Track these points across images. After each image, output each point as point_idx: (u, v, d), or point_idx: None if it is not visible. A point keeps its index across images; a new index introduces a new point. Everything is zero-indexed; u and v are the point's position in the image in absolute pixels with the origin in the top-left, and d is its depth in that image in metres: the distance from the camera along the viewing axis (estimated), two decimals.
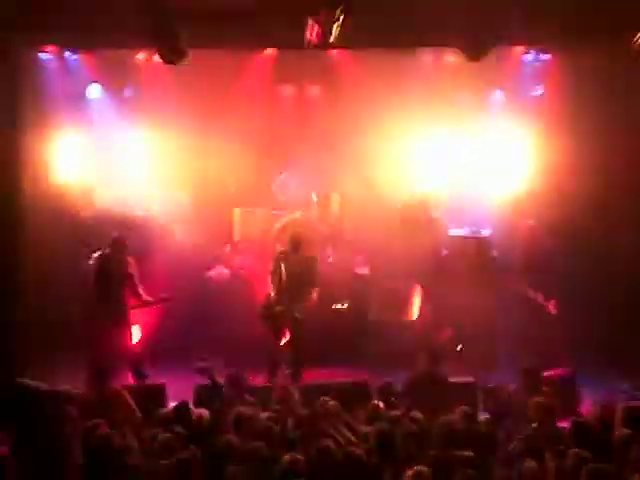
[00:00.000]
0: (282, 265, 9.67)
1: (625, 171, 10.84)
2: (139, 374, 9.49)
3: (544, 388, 7.97)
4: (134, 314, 9.73)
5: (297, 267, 9.62)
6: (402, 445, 6.33)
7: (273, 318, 9.66)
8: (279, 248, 10.08)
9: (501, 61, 11.19)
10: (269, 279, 9.72)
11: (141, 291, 9.49)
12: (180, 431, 6.57)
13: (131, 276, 9.45)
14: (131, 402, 7.85)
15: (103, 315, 9.36)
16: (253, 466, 5.97)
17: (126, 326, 9.49)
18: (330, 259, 11.83)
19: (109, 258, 9.45)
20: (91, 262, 9.53)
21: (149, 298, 9.55)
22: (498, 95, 11.88)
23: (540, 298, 9.94)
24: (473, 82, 11.83)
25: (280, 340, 9.75)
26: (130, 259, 9.49)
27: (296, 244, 9.69)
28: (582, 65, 10.71)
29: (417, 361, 8.78)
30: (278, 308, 9.60)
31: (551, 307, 9.94)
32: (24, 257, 10.40)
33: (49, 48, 10.86)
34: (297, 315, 9.60)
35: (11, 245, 10.20)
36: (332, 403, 7.13)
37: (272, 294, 9.67)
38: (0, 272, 10.05)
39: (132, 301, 9.51)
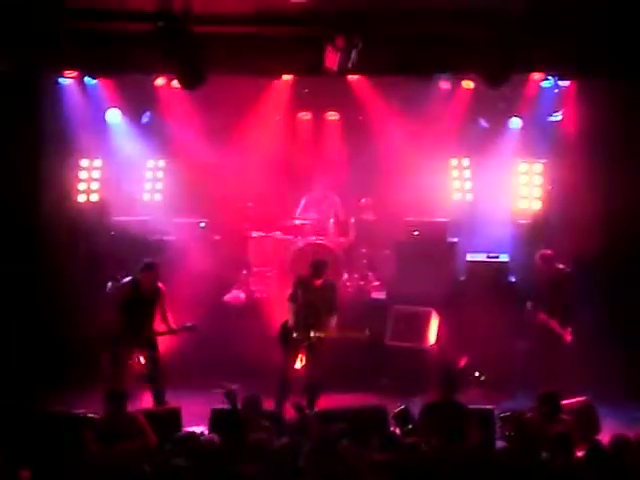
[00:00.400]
0: (301, 291, 9.63)
1: None
2: (160, 399, 9.46)
3: (564, 416, 7.88)
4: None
5: (316, 293, 9.57)
6: (418, 473, 6.26)
7: (290, 344, 9.61)
8: (298, 274, 10.04)
9: (520, 87, 11.19)
10: (288, 305, 9.66)
11: (170, 318, 9.45)
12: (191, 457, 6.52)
13: (162, 302, 9.44)
14: (147, 426, 7.83)
15: (130, 340, 9.34)
16: None
17: (154, 351, 9.47)
18: (348, 284, 11.81)
19: (140, 284, 9.42)
20: (111, 287, 9.52)
21: (176, 326, 9.50)
22: (516, 121, 11.85)
23: (556, 326, 9.84)
24: (491, 108, 11.85)
25: (295, 365, 9.69)
26: (161, 285, 9.47)
27: (317, 270, 9.64)
28: (601, 91, 10.66)
29: (434, 387, 8.69)
30: (296, 335, 9.55)
31: (567, 335, 9.83)
32: (42, 280, 10.45)
33: (69, 73, 10.95)
34: (315, 342, 9.55)
35: (29, 268, 10.26)
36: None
37: (290, 320, 9.62)
38: (18, 295, 10.10)
39: (160, 328, 9.48)
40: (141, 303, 9.34)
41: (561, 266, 10.08)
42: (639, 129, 10.68)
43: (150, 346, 9.40)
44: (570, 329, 9.81)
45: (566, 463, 6.58)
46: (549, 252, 10.10)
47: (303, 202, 12.33)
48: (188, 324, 9.52)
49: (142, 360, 9.43)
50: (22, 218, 10.21)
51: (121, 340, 9.30)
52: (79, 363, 10.29)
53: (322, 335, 9.53)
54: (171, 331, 9.47)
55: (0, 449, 6.27)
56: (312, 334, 9.50)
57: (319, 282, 9.62)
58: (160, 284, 9.44)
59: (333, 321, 9.58)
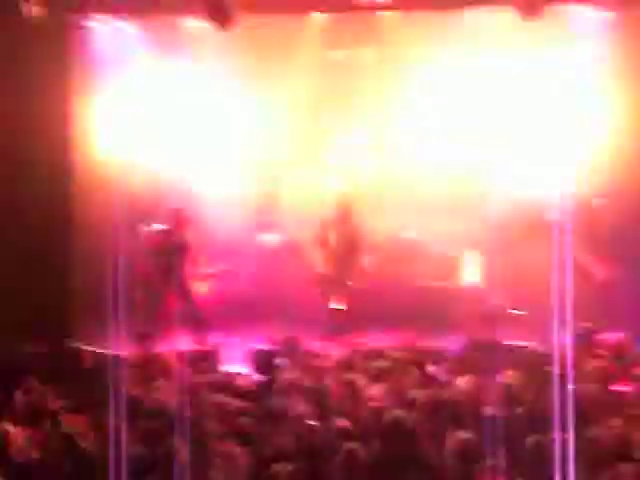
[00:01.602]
0: (329, 235, 9.59)
1: None
2: (200, 339, 9.57)
3: (600, 351, 7.82)
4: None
5: (345, 234, 9.52)
6: (452, 410, 6.27)
7: (326, 285, 9.61)
8: (322, 217, 10.00)
9: (558, 19, 10.87)
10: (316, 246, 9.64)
11: (202, 263, 9.54)
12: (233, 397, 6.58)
13: (191, 248, 9.49)
14: (178, 367, 7.92)
15: (163, 284, 9.44)
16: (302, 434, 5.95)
17: (188, 294, 9.54)
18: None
19: (170, 232, 9.50)
20: (150, 234, 9.60)
21: (210, 269, 9.61)
22: (557, 56, 11.52)
23: (590, 262, 9.66)
24: (528, 42, 11.55)
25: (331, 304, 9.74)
26: (190, 231, 9.53)
27: (344, 213, 9.58)
28: None
29: (472, 326, 8.67)
30: (329, 276, 9.53)
31: (599, 272, 9.65)
32: (75, 225, 10.51)
33: (98, 15, 10.87)
34: (349, 282, 9.54)
35: (62, 214, 10.32)
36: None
37: (319, 261, 9.59)
38: (51, 242, 10.17)
39: (193, 273, 9.58)
40: (173, 250, 9.44)
41: (610, 218, 9.90)
42: None
43: (184, 290, 9.50)
44: (603, 266, 9.65)
45: (605, 397, 6.54)
46: (598, 203, 9.93)
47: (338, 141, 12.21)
48: (221, 266, 9.62)
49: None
50: (52, 164, 10.23)
51: (155, 284, 9.41)
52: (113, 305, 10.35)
53: (356, 276, 9.52)
54: (206, 275, 9.57)
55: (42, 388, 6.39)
56: (345, 275, 9.48)
57: (348, 224, 9.55)
58: (188, 230, 9.49)
59: (366, 261, 9.54)
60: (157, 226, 9.57)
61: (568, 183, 10.88)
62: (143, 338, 8.13)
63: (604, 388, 6.68)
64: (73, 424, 5.90)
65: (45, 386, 6.55)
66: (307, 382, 7.01)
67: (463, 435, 5.51)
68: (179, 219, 9.48)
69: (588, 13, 10.80)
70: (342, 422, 5.84)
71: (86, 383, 6.93)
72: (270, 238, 11.57)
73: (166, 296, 9.52)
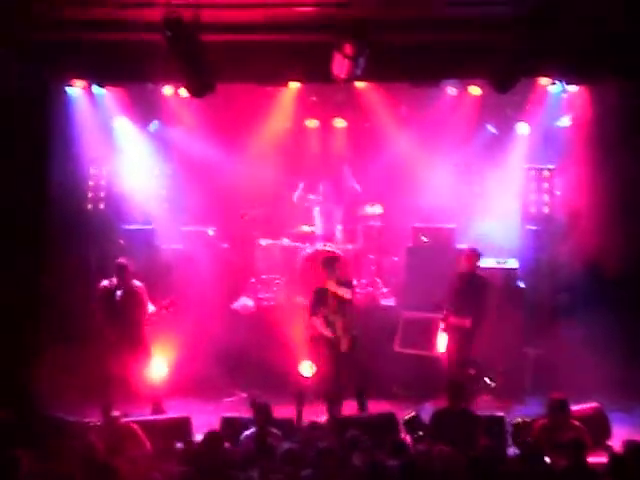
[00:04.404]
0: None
1: None
2: (157, 410, 9.50)
3: (574, 423, 7.85)
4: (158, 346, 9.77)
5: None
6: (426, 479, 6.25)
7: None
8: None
9: (527, 93, 11.17)
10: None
11: (150, 308, 9.62)
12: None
13: (140, 299, 9.55)
14: (142, 435, 7.82)
15: (116, 345, 9.44)
16: None
17: (143, 353, 9.56)
18: (356, 291, 11.78)
19: (115, 286, 9.54)
20: (99, 293, 9.63)
21: (156, 308, 9.65)
22: (524, 127, 11.81)
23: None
24: (499, 114, 11.83)
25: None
26: (136, 282, 9.60)
27: (329, 265, 9.70)
28: (609, 95, 10.64)
29: (444, 395, 8.67)
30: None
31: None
32: (54, 290, 10.46)
33: (77, 82, 10.96)
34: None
35: (40, 278, 10.28)
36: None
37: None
38: (30, 304, 10.12)
39: (145, 319, 9.59)
40: (120, 304, 9.48)
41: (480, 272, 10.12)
42: None
43: (138, 347, 9.49)
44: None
45: (579, 469, 6.56)
46: (476, 250, 10.13)
47: (315, 211, 12.29)
48: (164, 302, 9.63)
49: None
50: (33, 227, 10.21)
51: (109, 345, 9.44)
52: (87, 370, 10.25)
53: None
54: (154, 315, 9.61)
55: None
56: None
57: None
58: (136, 282, 9.55)
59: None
60: (104, 282, 9.63)
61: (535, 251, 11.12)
62: (106, 408, 8.00)
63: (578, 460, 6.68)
64: None
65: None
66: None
67: None
68: (122, 271, 9.56)
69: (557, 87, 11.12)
70: None
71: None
72: (244, 303, 11.53)
73: (125, 356, 9.47)
